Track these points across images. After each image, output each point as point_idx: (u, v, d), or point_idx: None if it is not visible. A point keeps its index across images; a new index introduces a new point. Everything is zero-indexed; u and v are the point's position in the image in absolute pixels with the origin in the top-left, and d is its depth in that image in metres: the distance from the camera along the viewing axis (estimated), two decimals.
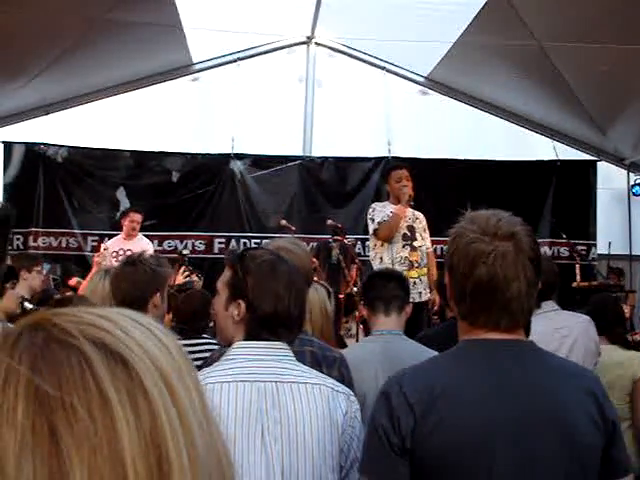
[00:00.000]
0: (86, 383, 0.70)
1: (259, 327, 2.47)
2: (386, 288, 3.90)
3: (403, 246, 7.54)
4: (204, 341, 5.29)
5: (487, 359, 2.10)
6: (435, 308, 7.35)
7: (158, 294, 3.63)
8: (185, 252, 10.14)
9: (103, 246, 8.97)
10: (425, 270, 7.60)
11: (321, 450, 2.36)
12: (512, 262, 2.04)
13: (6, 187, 11.58)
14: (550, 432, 2.00)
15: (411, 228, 7.63)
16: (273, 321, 2.48)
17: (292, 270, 2.60)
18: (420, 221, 7.81)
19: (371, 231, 7.65)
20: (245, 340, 2.47)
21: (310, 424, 2.36)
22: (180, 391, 0.75)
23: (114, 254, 9.10)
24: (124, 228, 9.53)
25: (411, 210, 7.79)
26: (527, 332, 2.19)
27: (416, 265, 7.50)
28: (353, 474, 2.42)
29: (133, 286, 3.60)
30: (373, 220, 7.58)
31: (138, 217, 9.58)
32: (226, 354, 2.47)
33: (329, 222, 9.81)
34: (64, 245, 11.58)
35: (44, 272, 10.48)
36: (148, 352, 0.75)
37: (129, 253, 9.23)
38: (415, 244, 7.59)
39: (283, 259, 2.62)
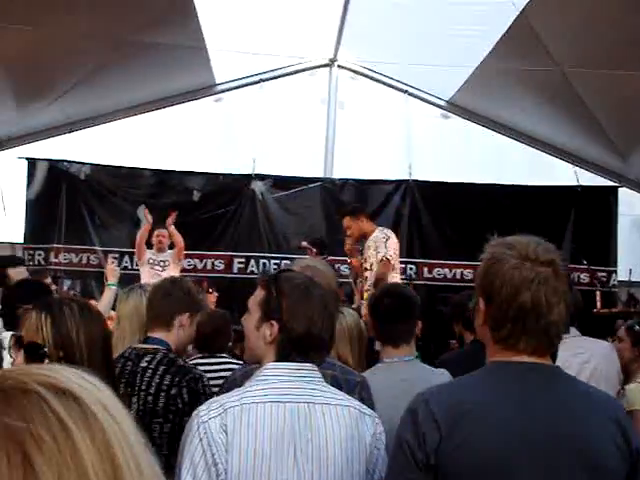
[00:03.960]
0: (46, 415, 0.86)
1: (291, 348, 2.49)
2: (393, 326, 3.81)
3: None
4: (223, 360, 5.32)
5: (515, 381, 2.12)
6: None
7: (187, 315, 3.68)
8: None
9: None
10: None
11: (350, 470, 2.41)
12: (553, 288, 2.08)
13: (29, 203, 11.69)
14: (574, 456, 2.02)
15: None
16: (305, 343, 2.51)
17: (325, 294, 2.64)
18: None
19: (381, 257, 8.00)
20: (276, 361, 2.50)
21: (340, 445, 2.40)
22: (116, 415, 0.92)
23: (150, 261, 9.61)
24: (153, 245, 9.69)
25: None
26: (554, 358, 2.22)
27: None
28: None
29: (165, 299, 3.68)
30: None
31: (164, 232, 9.76)
32: (257, 374, 2.50)
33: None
34: (85, 262, 11.65)
35: (64, 287, 10.59)
36: (85, 387, 0.92)
37: (161, 264, 9.48)
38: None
39: (316, 282, 2.65)
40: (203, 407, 2.40)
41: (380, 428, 2.54)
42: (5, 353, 3.18)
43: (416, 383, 3.41)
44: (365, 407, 2.61)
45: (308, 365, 2.50)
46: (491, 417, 2.05)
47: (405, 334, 3.82)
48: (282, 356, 2.50)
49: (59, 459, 0.83)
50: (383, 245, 8.09)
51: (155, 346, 3.60)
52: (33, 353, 2.56)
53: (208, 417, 2.33)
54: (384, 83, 12.14)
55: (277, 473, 2.32)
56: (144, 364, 3.52)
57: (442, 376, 3.63)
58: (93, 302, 7.94)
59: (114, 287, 5.91)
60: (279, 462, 2.33)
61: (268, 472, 2.31)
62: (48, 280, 7.08)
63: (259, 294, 2.60)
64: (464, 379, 2.32)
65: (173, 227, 9.74)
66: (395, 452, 2.12)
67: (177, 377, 3.47)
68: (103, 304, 5.61)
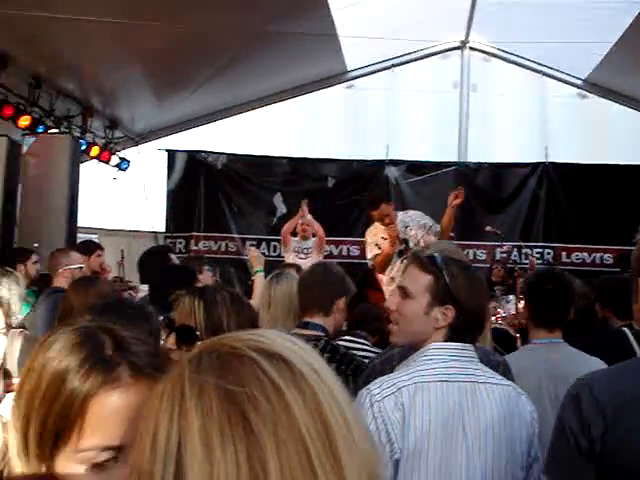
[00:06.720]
0: (259, 378, 0.94)
1: (464, 330, 2.51)
2: (553, 312, 3.75)
3: None
4: (358, 339, 5.36)
5: None
6: None
7: (344, 298, 3.74)
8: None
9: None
10: None
11: (513, 448, 2.43)
12: None
13: (169, 193, 12.15)
14: None
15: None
16: (476, 323, 2.55)
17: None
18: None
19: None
20: (445, 342, 2.50)
21: (505, 423, 2.42)
22: (324, 376, 0.98)
23: (295, 248, 9.74)
24: (298, 233, 9.86)
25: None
26: None
27: None
28: (533, 472, 2.49)
29: (323, 285, 3.75)
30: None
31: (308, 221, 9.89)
32: (420, 354, 2.50)
33: (488, 228, 9.70)
34: (223, 249, 12.00)
35: (209, 274, 10.88)
36: (293, 350, 0.99)
37: (305, 251, 9.65)
38: None
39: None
40: (374, 386, 2.39)
41: (533, 407, 2.56)
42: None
43: (567, 366, 3.43)
44: (518, 387, 2.61)
45: (469, 345, 2.51)
46: None
47: (561, 320, 3.76)
48: (453, 338, 2.50)
49: (273, 418, 0.92)
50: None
51: (316, 332, 3.67)
52: (185, 336, 2.63)
53: (382, 396, 2.34)
54: (517, 63, 11.92)
55: (447, 451, 2.34)
56: None
57: (592, 361, 3.54)
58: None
59: (261, 273, 6.03)
60: (449, 440, 2.35)
61: (440, 450, 2.34)
62: (205, 269, 7.29)
63: (423, 277, 2.55)
64: (628, 364, 2.20)
65: (311, 217, 9.85)
66: (558, 437, 2.05)
67: (342, 365, 3.52)
68: (258, 292, 5.71)
